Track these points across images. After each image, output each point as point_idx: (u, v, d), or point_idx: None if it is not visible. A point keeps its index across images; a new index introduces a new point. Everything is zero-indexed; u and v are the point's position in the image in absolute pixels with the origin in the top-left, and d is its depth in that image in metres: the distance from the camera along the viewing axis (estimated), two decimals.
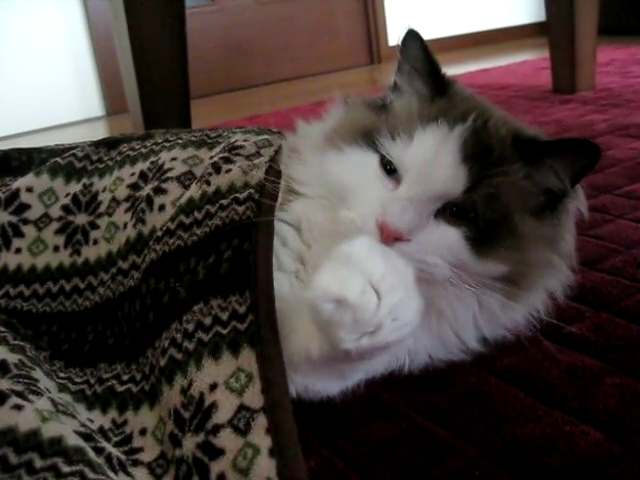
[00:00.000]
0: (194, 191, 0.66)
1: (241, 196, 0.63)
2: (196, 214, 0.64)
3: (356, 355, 0.50)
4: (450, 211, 0.56)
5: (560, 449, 0.51)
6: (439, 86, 0.62)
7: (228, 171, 0.66)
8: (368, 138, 0.60)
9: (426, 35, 0.62)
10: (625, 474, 0.48)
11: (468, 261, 0.56)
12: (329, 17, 3.29)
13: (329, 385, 0.60)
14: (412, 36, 0.62)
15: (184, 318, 0.58)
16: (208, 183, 0.66)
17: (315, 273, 0.49)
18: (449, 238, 0.55)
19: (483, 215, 0.56)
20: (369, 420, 0.58)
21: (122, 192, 0.74)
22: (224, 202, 0.63)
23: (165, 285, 0.62)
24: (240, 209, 0.61)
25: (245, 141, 0.72)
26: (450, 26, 3.46)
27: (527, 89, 2.11)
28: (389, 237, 0.54)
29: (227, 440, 0.49)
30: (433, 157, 0.55)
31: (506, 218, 0.56)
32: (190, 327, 0.57)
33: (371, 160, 0.59)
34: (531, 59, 2.80)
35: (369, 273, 0.47)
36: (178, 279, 0.61)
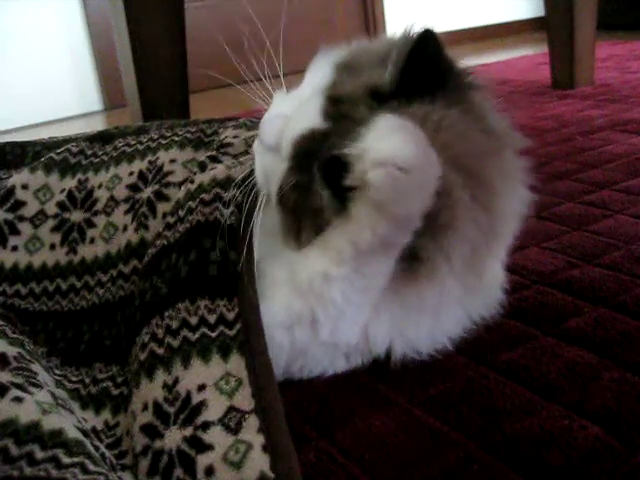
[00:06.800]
0: (181, 192, 0.66)
1: (224, 195, 0.62)
2: (180, 212, 0.64)
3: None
4: None
5: (558, 443, 0.52)
6: None
7: (213, 169, 0.66)
8: None
9: None
10: (623, 468, 0.49)
11: None
12: (327, 12, 3.27)
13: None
14: None
15: (166, 314, 0.58)
16: (192, 182, 0.66)
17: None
18: None
19: None
20: (368, 413, 0.58)
21: (121, 192, 0.74)
22: (205, 197, 0.63)
23: (150, 284, 0.62)
24: (225, 210, 0.61)
25: (235, 138, 0.71)
26: (449, 21, 3.45)
27: (526, 84, 2.11)
28: None
29: (217, 437, 0.49)
30: None
31: None
32: (174, 324, 0.57)
33: None
34: (530, 54, 2.79)
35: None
36: (160, 276, 0.61)
